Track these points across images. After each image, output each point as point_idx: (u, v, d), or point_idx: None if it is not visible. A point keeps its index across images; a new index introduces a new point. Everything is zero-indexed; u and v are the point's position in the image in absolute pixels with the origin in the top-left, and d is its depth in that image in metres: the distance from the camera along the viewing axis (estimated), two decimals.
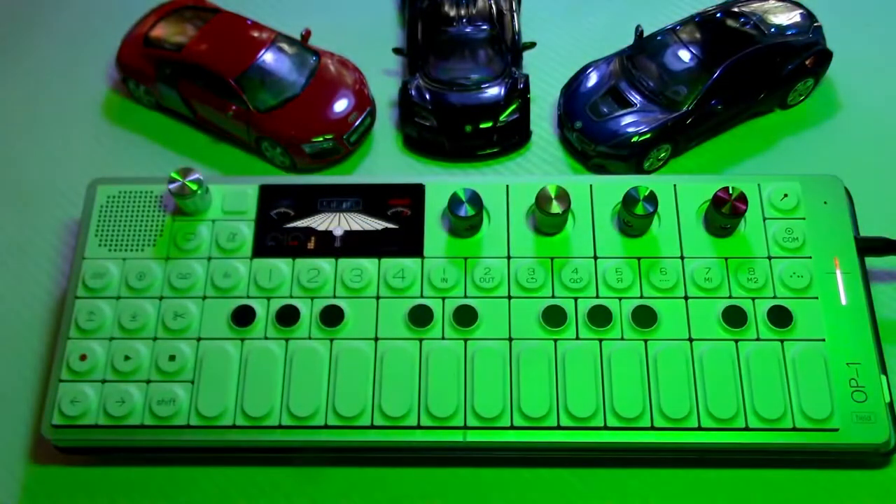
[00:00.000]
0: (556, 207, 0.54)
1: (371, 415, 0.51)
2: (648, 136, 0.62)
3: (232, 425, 0.51)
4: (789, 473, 0.52)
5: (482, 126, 0.65)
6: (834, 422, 0.50)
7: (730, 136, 0.66)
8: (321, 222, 0.57)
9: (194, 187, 0.56)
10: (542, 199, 0.54)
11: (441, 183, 0.58)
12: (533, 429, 0.51)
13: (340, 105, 0.65)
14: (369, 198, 0.57)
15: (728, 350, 0.52)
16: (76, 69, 0.73)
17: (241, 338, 0.53)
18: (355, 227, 0.57)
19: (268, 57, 0.66)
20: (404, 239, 0.56)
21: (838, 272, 0.54)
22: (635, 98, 0.64)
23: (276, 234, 0.56)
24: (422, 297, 0.54)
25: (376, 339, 0.53)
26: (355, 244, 0.56)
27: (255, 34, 0.67)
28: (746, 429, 0.50)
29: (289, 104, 0.65)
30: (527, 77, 0.67)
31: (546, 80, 0.69)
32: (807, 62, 0.65)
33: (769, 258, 0.55)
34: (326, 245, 0.56)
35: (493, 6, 0.69)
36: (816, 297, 0.53)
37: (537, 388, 0.51)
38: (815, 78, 0.67)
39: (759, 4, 0.67)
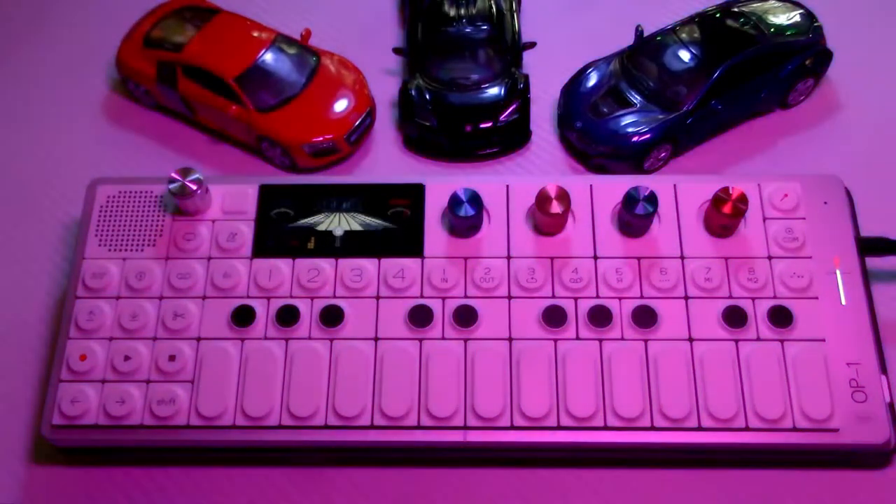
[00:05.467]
0: (556, 207, 0.54)
1: (371, 415, 0.51)
2: (648, 136, 0.62)
3: (232, 425, 0.51)
4: (789, 473, 0.52)
5: (482, 126, 0.65)
6: (834, 422, 0.50)
7: (730, 136, 0.66)
8: (321, 222, 0.57)
9: (194, 187, 0.56)
10: (542, 199, 0.54)
11: (441, 183, 0.58)
12: (533, 429, 0.51)
13: (340, 105, 0.65)
14: (369, 198, 0.57)
15: (728, 350, 0.52)
16: (76, 69, 0.73)
17: (241, 338, 0.53)
18: (355, 227, 0.57)
19: (268, 57, 0.66)
20: (404, 239, 0.56)
21: (838, 272, 0.54)
22: (635, 98, 0.64)
23: (276, 234, 0.56)
24: (422, 297, 0.54)
25: (376, 339, 0.53)
26: (355, 244, 0.56)
27: (255, 34, 0.67)
28: (746, 429, 0.50)
29: (289, 104, 0.65)
30: (527, 77, 0.67)
31: (546, 80, 0.69)
32: (807, 62, 0.65)
33: (769, 258, 0.55)
34: (326, 245, 0.56)
35: (493, 6, 0.69)
36: (816, 297, 0.53)
37: (537, 388, 0.51)
38: (815, 78, 0.67)
39: (759, 4, 0.67)
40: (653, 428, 0.50)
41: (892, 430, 0.50)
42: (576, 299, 0.54)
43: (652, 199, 0.54)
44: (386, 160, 0.67)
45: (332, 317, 0.54)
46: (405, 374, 0.52)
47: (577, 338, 0.53)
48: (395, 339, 0.53)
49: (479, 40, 0.67)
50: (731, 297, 0.53)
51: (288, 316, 0.54)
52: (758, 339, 0.52)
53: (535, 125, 0.67)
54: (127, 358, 0.53)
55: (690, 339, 0.52)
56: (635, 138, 0.62)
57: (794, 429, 0.50)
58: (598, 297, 0.54)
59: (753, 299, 0.53)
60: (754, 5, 0.67)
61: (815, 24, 0.66)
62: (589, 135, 0.64)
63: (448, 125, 0.65)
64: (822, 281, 0.54)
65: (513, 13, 0.70)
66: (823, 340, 0.52)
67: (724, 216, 0.54)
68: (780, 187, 0.57)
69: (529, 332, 0.53)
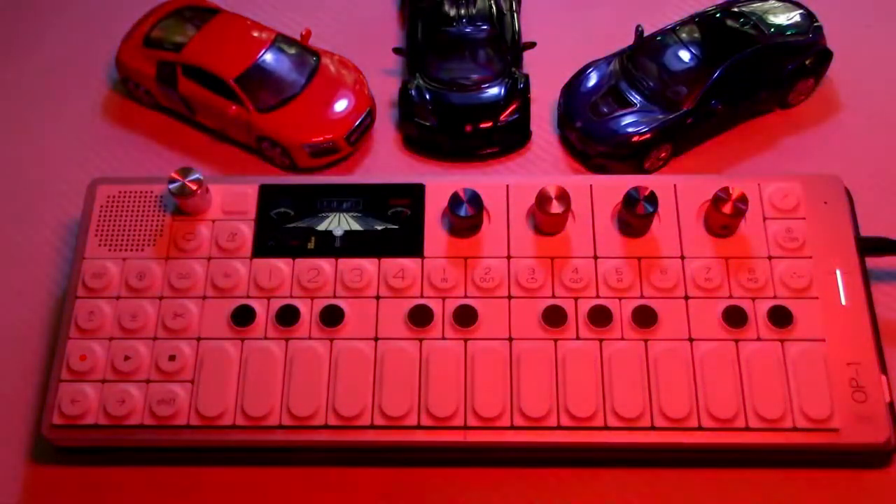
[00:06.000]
0: (556, 207, 0.54)
1: (371, 415, 0.51)
2: (648, 136, 0.62)
3: (232, 425, 0.51)
4: (789, 473, 0.52)
5: (482, 126, 0.65)
6: (834, 422, 0.50)
7: (730, 136, 0.66)
8: (321, 222, 0.57)
9: (194, 187, 0.56)
10: (542, 199, 0.54)
11: (441, 183, 0.58)
12: (533, 429, 0.51)
13: (340, 105, 0.65)
14: (369, 198, 0.57)
15: (728, 350, 0.52)
16: (76, 69, 0.73)
17: (241, 338, 0.53)
18: (355, 227, 0.57)
19: (268, 57, 0.66)
20: (404, 239, 0.56)
21: (838, 272, 0.54)
22: (635, 98, 0.64)
23: (276, 234, 0.56)
24: (422, 297, 0.54)
25: (376, 339, 0.53)
26: (355, 244, 0.56)
27: (255, 34, 0.67)
28: (746, 429, 0.50)
29: (289, 104, 0.65)
30: (527, 77, 0.67)
31: (546, 80, 0.69)
32: (807, 62, 0.65)
33: (769, 258, 0.55)
34: (326, 245, 0.56)
35: (493, 6, 0.69)
36: (816, 297, 0.53)
37: (537, 388, 0.51)
38: (815, 78, 0.67)
39: (759, 4, 0.67)
40: (653, 428, 0.50)
41: (893, 429, 0.50)
42: (576, 299, 0.54)
43: (652, 199, 0.54)
44: (386, 160, 0.67)
45: (332, 317, 0.54)
46: (405, 374, 0.52)
47: (577, 338, 0.53)
48: (395, 339, 0.53)
49: (479, 40, 0.67)
50: (731, 297, 0.53)
51: (288, 316, 0.54)
52: (758, 339, 0.52)
53: (535, 125, 0.67)
54: (127, 358, 0.53)
55: (690, 339, 0.52)
56: (635, 138, 0.62)
57: (794, 429, 0.50)
58: (598, 297, 0.54)
59: (753, 299, 0.53)
60: (754, 5, 0.67)
61: (815, 24, 0.66)
62: (589, 135, 0.64)
63: (448, 125, 0.65)
64: (822, 281, 0.54)
65: (513, 13, 0.70)
66: (823, 340, 0.52)
67: (724, 216, 0.54)
68: (780, 187, 0.57)
69: (529, 332, 0.53)
